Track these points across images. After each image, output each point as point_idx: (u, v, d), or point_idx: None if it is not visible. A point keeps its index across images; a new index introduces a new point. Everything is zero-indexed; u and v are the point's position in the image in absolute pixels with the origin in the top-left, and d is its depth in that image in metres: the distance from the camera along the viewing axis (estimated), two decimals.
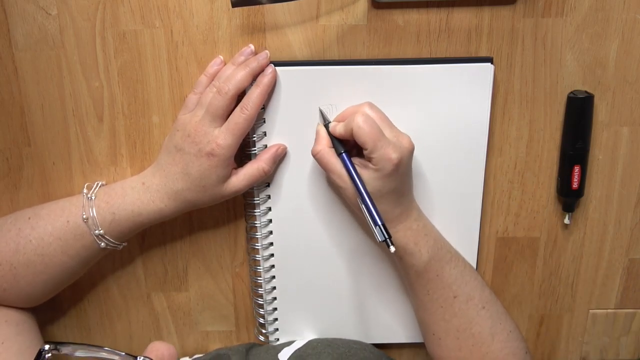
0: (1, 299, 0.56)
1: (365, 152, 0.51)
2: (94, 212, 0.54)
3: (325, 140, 0.53)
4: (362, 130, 0.50)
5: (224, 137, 0.52)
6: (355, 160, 0.53)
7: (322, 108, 0.55)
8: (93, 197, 0.55)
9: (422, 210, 0.57)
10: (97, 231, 0.54)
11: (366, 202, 0.50)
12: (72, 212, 0.55)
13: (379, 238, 0.50)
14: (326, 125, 0.54)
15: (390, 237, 0.50)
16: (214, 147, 0.52)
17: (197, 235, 0.62)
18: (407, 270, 0.56)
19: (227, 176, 0.54)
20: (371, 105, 0.53)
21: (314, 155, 0.53)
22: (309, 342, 0.62)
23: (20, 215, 0.56)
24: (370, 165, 0.51)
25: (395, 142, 0.51)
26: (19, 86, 0.56)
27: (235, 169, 0.55)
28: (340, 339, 0.62)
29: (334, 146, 0.53)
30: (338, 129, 0.53)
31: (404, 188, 0.54)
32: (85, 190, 0.56)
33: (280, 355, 0.60)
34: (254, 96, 0.53)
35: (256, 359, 0.60)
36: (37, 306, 0.59)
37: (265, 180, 0.58)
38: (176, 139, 0.54)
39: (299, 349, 0.61)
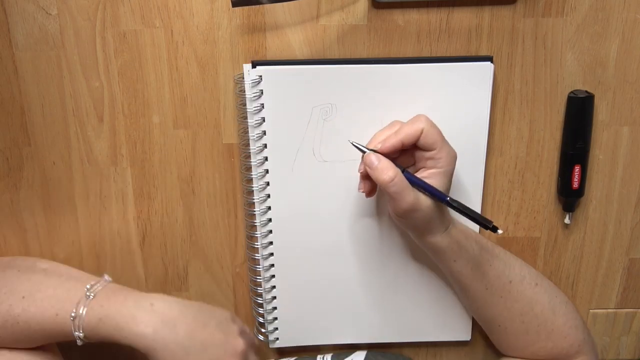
0: None
1: (431, 154, 0.50)
2: (84, 312, 0.51)
3: (390, 163, 0.49)
4: (432, 130, 0.50)
5: None
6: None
7: (353, 142, 0.52)
8: (91, 296, 0.52)
9: None
10: (77, 333, 0.51)
11: (462, 206, 0.50)
12: (65, 307, 0.51)
13: (488, 225, 0.49)
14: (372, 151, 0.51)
15: (492, 222, 0.49)
16: None
17: (197, 235, 0.62)
18: (463, 270, 0.56)
19: None
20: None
21: (388, 183, 0.48)
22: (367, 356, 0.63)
23: (15, 287, 0.53)
24: (435, 170, 0.50)
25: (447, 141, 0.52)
26: (19, 86, 0.56)
27: None
28: (392, 354, 0.64)
29: None
30: (394, 138, 0.50)
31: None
32: (87, 287, 0.53)
33: None
34: None
35: None
36: None
37: (265, 180, 0.58)
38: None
39: None
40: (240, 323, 0.55)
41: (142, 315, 0.50)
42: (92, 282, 0.54)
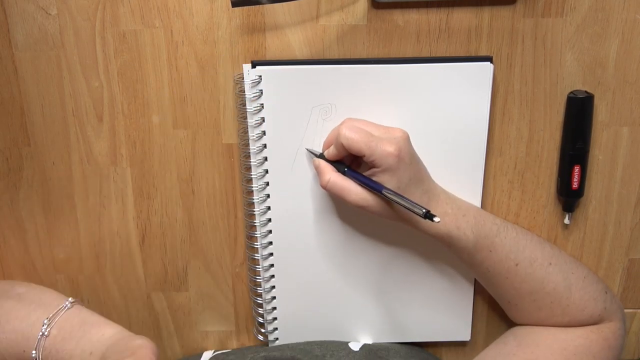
0: None
1: (365, 159, 0.51)
2: (40, 357, 0.52)
3: (328, 167, 0.53)
4: (351, 139, 0.50)
5: None
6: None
7: (307, 148, 0.56)
8: (47, 335, 0.52)
9: (448, 192, 0.57)
10: None
11: (397, 197, 0.50)
12: (29, 345, 0.52)
13: (420, 213, 0.49)
14: (320, 156, 0.55)
15: (428, 210, 0.49)
16: None
17: (197, 235, 0.62)
18: (460, 255, 0.56)
19: None
20: (350, 118, 0.54)
21: (325, 187, 0.53)
22: (373, 343, 0.64)
23: None
24: (376, 169, 0.51)
25: (387, 136, 0.51)
26: (19, 86, 0.56)
27: None
28: (393, 343, 0.64)
29: (338, 169, 0.53)
30: (331, 151, 0.53)
31: (420, 174, 0.54)
32: (44, 326, 0.53)
33: (350, 345, 0.62)
34: None
35: (325, 345, 0.61)
36: None
37: (264, 180, 0.58)
38: None
39: (366, 344, 0.63)
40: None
41: None
42: (51, 314, 0.53)
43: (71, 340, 0.53)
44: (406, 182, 0.51)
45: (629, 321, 0.66)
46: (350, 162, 0.54)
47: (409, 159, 0.51)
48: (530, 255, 0.56)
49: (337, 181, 0.52)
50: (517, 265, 0.56)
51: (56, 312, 0.54)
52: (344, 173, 0.53)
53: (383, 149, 0.50)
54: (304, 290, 0.62)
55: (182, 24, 0.55)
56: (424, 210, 0.48)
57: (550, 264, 0.57)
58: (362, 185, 0.52)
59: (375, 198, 0.52)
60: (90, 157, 0.59)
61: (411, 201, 0.50)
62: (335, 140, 0.52)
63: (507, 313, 0.61)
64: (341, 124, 0.53)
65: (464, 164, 0.58)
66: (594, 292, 0.57)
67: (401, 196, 0.50)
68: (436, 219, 0.48)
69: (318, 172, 0.54)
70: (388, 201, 0.52)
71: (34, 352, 0.52)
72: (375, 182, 0.51)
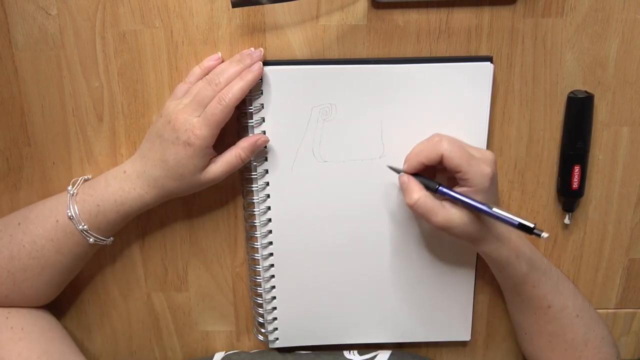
0: (6, 304, 0.56)
1: (458, 175, 0.50)
2: (76, 209, 0.54)
3: (417, 186, 0.52)
4: (454, 153, 0.50)
5: (200, 127, 0.51)
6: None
7: (389, 165, 0.56)
8: (75, 193, 0.55)
9: None
10: (80, 227, 0.54)
11: (496, 214, 0.49)
12: (60, 210, 0.54)
13: (531, 226, 0.49)
14: (393, 169, 0.55)
15: (535, 225, 0.49)
16: (190, 137, 0.51)
17: (197, 235, 0.62)
18: (506, 282, 0.57)
19: (205, 165, 0.53)
20: (439, 134, 0.53)
21: (412, 206, 0.51)
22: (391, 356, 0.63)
23: (9, 221, 0.56)
24: (466, 187, 0.51)
25: (482, 157, 0.51)
26: (19, 86, 0.56)
27: (214, 157, 0.54)
28: (395, 353, 0.64)
29: (426, 187, 0.52)
30: (414, 162, 0.52)
31: (496, 196, 0.54)
32: (69, 187, 0.56)
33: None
34: (235, 89, 0.51)
35: None
36: None
37: (265, 180, 0.58)
38: (158, 125, 0.53)
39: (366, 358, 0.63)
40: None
41: (127, 184, 0.54)
42: (72, 183, 0.56)
43: (99, 179, 0.56)
44: (491, 202, 0.52)
45: (629, 321, 0.66)
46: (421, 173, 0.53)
47: (495, 181, 0.52)
48: (564, 302, 0.56)
49: (426, 201, 0.50)
50: (549, 307, 0.56)
51: (76, 181, 0.56)
52: (435, 191, 0.51)
53: (480, 168, 0.50)
54: (304, 291, 0.62)
55: (182, 24, 0.55)
56: (532, 225, 0.49)
57: (578, 315, 0.57)
58: (453, 203, 0.51)
59: (464, 222, 0.51)
60: (90, 157, 0.59)
61: (519, 217, 0.49)
62: (428, 150, 0.51)
63: (519, 342, 0.62)
64: (436, 137, 0.52)
65: None
66: (607, 354, 0.58)
67: (509, 212, 0.50)
68: (544, 235, 0.48)
69: (404, 189, 0.52)
70: (471, 223, 0.51)
71: (68, 212, 0.54)
72: (479, 201, 0.50)
